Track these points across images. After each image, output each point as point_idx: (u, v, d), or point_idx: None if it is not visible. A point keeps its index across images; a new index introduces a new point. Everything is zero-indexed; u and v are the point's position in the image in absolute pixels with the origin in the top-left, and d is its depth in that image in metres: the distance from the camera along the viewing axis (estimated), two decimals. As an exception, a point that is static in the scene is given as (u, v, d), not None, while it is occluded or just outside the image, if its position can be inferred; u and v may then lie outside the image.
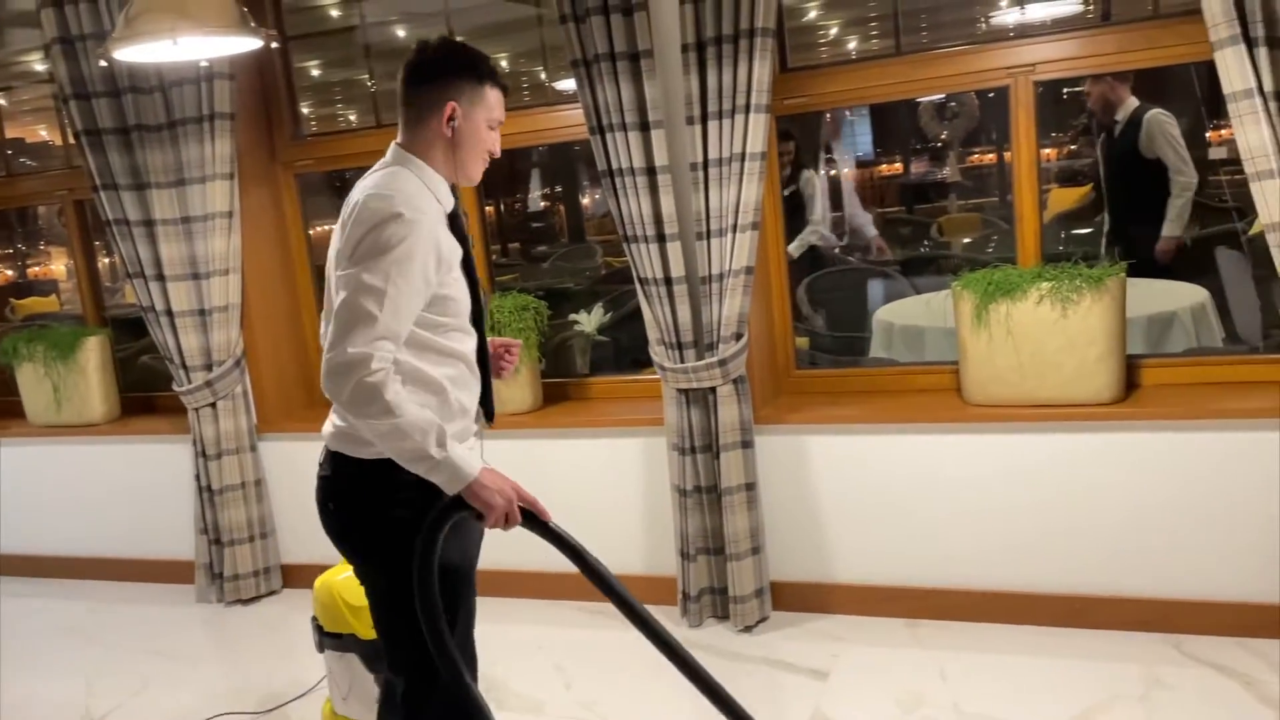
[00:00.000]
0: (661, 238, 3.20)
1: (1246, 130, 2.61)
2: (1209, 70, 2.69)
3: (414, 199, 1.88)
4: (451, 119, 1.94)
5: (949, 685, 2.87)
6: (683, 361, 3.24)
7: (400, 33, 4.81)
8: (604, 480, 3.59)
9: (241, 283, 3.90)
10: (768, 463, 3.35)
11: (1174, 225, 4.45)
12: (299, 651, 3.64)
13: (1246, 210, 6.92)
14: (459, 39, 1.98)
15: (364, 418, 1.80)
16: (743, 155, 3.05)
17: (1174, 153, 4.44)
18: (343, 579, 2.58)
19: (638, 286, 3.28)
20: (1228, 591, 2.93)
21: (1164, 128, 4.46)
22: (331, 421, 2.02)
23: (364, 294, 1.79)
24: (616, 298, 5.87)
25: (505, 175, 9.58)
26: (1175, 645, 2.93)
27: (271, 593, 4.10)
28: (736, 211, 3.09)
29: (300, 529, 4.11)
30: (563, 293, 6.75)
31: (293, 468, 4.07)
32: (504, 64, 6.25)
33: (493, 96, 1.98)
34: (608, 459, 3.57)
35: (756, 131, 3.03)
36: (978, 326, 3.05)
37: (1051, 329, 2.97)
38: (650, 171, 3.16)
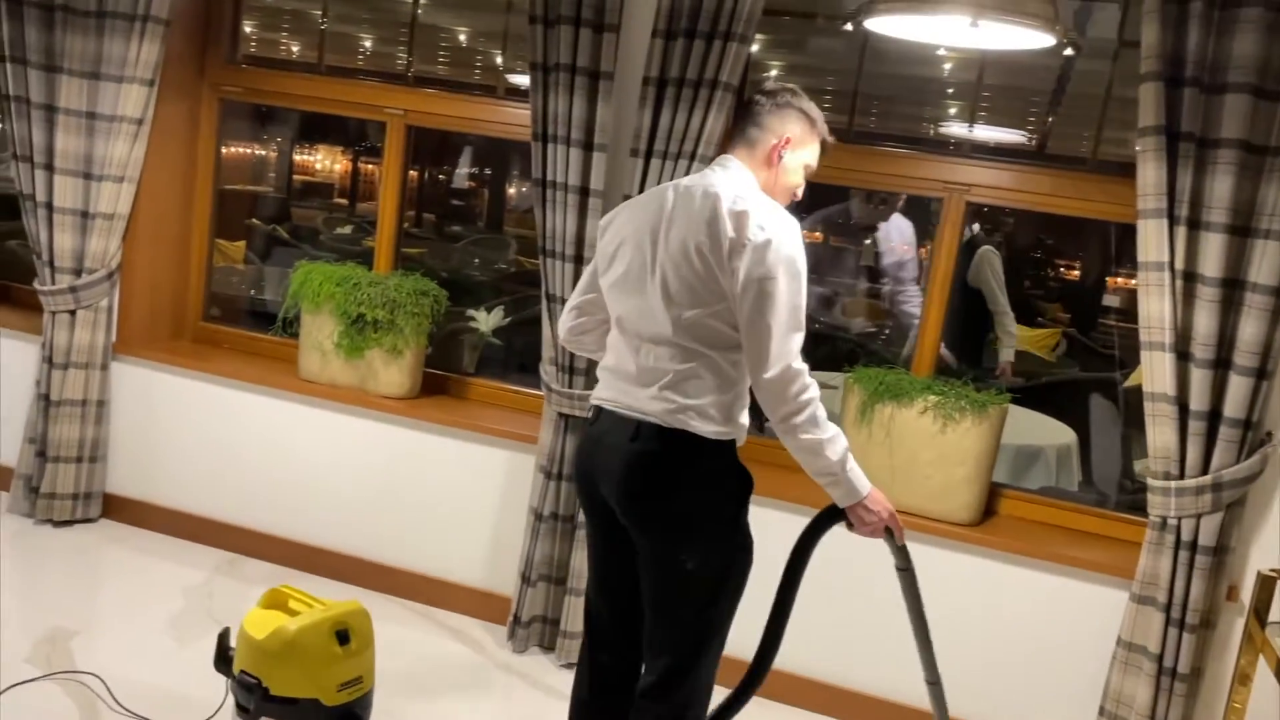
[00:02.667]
0: (579, 259, 3.15)
1: (1150, 299, 2.71)
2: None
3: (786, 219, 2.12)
4: (781, 148, 2.18)
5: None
6: (570, 386, 3.19)
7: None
8: (464, 485, 3.50)
9: (135, 194, 3.69)
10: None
11: (1007, 350, 4.93)
12: (101, 587, 3.45)
13: (1127, 360, 7.31)
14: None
15: (799, 432, 2.03)
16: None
17: (996, 287, 4.89)
18: (301, 629, 2.22)
19: (543, 301, 3.22)
20: (1033, 728, 3.02)
21: (992, 264, 4.87)
22: (668, 397, 2.08)
23: (794, 308, 2.04)
24: (519, 299, 5.80)
25: (437, 145, 9.41)
26: (974, 769, 3.01)
27: (88, 520, 3.87)
28: (658, 253, 3.06)
29: (135, 459, 3.89)
30: (464, 283, 6.62)
31: (142, 394, 3.85)
32: (461, 39, 6.12)
33: (816, 144, 2.24)
34: (473, 464, 3.49)
35: (696, 180, 3.01)
36: (860, 421, 3.09)
37: (928, 441, 3.03)
38: (584, 192, 3.12)
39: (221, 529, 3.78)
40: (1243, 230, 2.64)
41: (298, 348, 3.70)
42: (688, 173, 3.01)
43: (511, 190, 9.98)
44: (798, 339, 2.04)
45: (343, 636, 2.23)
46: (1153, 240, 2.69)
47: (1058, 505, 3.23)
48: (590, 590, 2.38)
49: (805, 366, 2.04)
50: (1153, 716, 2.78)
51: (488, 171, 10.04)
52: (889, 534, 2.21)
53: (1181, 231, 2.67)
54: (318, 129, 9.66)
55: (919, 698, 3.07)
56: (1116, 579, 2.91)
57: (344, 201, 10.49)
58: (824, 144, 2.26)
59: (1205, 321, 2.66)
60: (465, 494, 3.50)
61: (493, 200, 10.11)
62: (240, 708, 2.21)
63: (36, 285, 3.72)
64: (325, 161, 10.89)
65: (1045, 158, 5.05)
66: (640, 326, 2.13)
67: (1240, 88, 2.58)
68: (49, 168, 3.63)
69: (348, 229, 8.83)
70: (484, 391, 3.75)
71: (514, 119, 3.54)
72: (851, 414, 3.11)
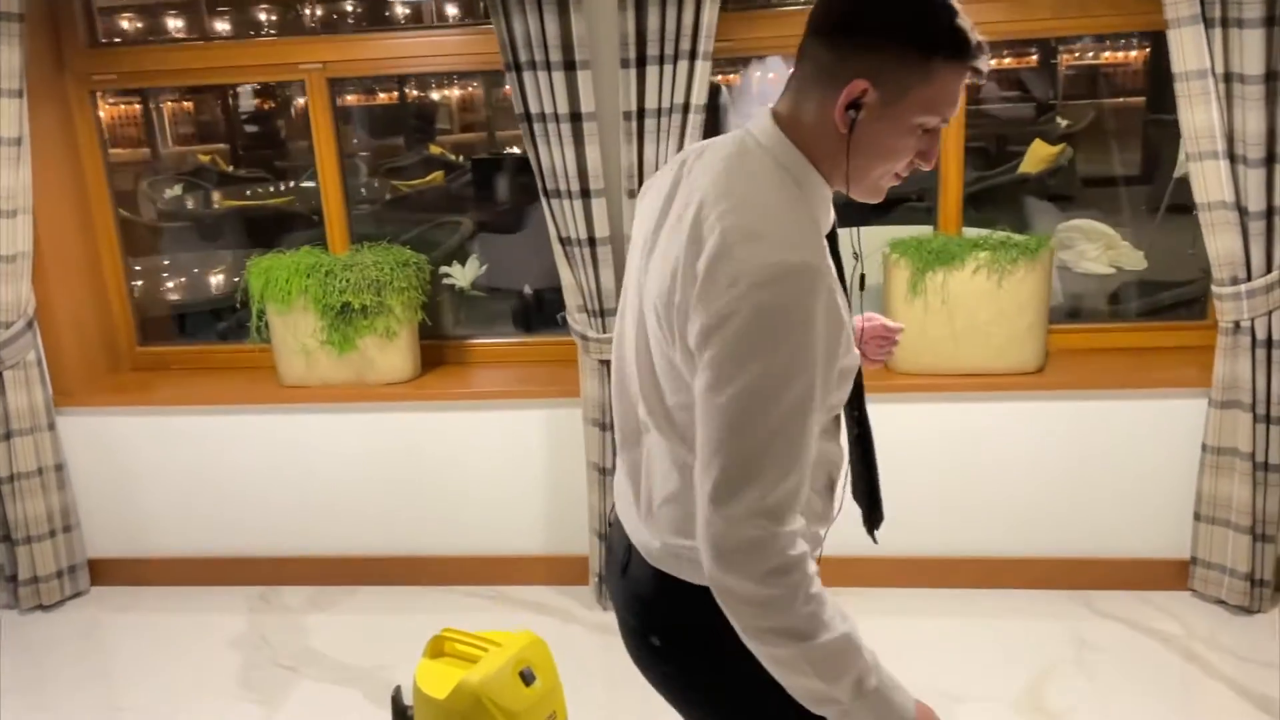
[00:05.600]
0: (586, 193, 2.87)
1: (1195, 110, 2.65)
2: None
3: (793, 231, 1.18)
4: (854, 106, 1.20)
5: (901, 659, 2.85)
6: (605, 331, 2.96)
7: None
8: (502, 455, 3.26)
9: (33, 226, 3.16)
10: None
11: None
12: (120, 665, 3.09)
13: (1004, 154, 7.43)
14: None
15: (769, 641, 1.18)
16: (685, 107, 2.77)
17: None
18: (484, 680, 1.97)
19: (557, 247, 2.94)
20: (1131, 549, 3.09)
21: None
22: (655, 524, 1.36)
23: (760, 418, 1.13)
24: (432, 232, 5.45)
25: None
26: (1085, 602, 3.07)
27: (78, 594, 3.46)
28: (676, 168, 2.81)
29: (108, 518, 3.48)
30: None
31: (97, 447, 3.41)
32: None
33: (946, 78, 1.18)
34: (508, 431, 3.24)
35: (702, 81, 2.75)
36: (912, 295, 2.98)
37: (986, 299, 2.95)
38: (575, 118, 2.82)
39: (237, 565, 3.44)
40: (1276, 20, 2.58)
41: (270, 352, 3.32)
42: (690, 77, 2.75)
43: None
44: (780, 467, 1.14)
45: (527, 677, 2.03)
46: (1190, 48, 2.61)
47: (1105, 329, 3.24)
48: None
49: (793, 525, 1.16)
50: (1253, 509, 2.87)
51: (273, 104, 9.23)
52: None
53: (1217, 33, 2.60)
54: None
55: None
56: (1187, 390, 2.95)
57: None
58: (971, 68, 1.18)
59: (1254, 120, 2.62)
60: (506, 463, 3.27)
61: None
62: None
63: (-56, 356, 3.19)
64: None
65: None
66: (622, 393, 1.41)
67: (1258, -128, 2.47)
68: (-82, 218, 3.06)
69: (177, 189, 8.05)
70: (485, 352, 3.47)
71: (456, 49, 3.16)
72: (901, 289, 3.00)
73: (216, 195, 7.71)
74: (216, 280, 5.45)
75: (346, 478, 3.33)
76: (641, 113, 2.80)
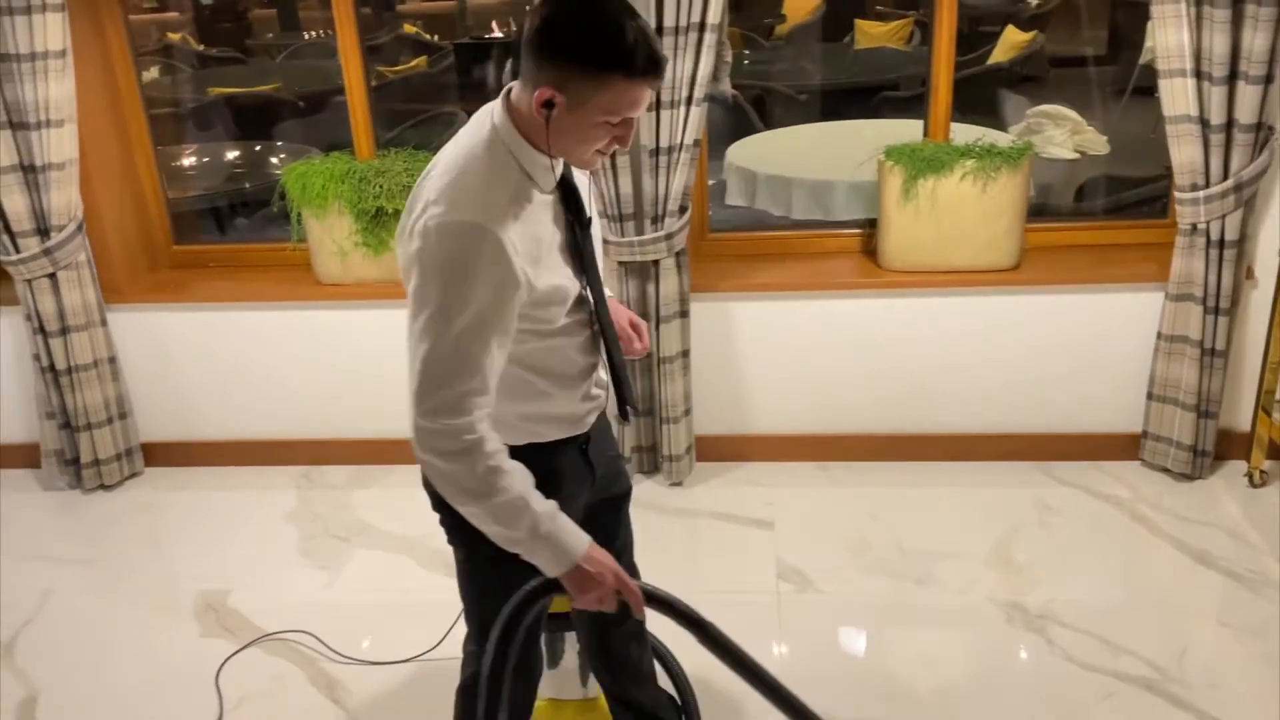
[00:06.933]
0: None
1: (1168, 31, 2.91)
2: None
3: (477, 198, 1.50)
4: (548, 105, 1.47)
5: (881, 525, 3.25)
6: (624, 235, 3.22)
7: None
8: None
9: (78, 134, 3.34)
10: (697, 329, 3.45)
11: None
12: (185, 537, 3.42)
13: (974, 41, 7.57)
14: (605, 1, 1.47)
15: (448, 493, 1.57)
16: (701, 25, 2.98)
17: None
18: None
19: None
20: (1089, 424, 3.48)
21: None
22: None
23: (441, 339, 1.48)
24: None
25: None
26: (1047, 472, 3.47)
27: (135, 475, 3.77)
28: (691, 84, 3.04)
29: (157, 405, 3.76)
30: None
31: (145, 340, 3.67)
32: None
33: (621, 90, 1.46)
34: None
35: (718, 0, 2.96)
36: (905, 201, 3.26)
37: (971, 204, 3.24)
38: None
39: (280, 447, 3.75)
40: (1244, -53, 2.82)
41: (305, 251, 3.56)
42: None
43: None
44: (458, 375, 1.49)
45: None
46: (1165, -27, 2.85)
47: (1074, 228, 3.55)
48: None
49: (470, 417, 1.50)
50: (1199, 389, 3.25)
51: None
52: (624, 606, 1.65)
53: (1191, -42, 2.83)
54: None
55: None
56: (1146, 284, 3.29)
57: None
58: (644, 79, 1.47)
59: (1220, 42, 2.88)
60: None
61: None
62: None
63: (1, 258, 3.40)
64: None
65: None
66: None
67: None
68: (-32, 128, 3.23)
69: (154, 71, 8.03)
70: (505, 248, 3.71)
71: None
72: (894, 196, 3.27)
73: (196, 80, 7.65)
74: (218, 173, 5.58)
75: (382, 368, 3.61)
76: (659, 30, 3.00)
